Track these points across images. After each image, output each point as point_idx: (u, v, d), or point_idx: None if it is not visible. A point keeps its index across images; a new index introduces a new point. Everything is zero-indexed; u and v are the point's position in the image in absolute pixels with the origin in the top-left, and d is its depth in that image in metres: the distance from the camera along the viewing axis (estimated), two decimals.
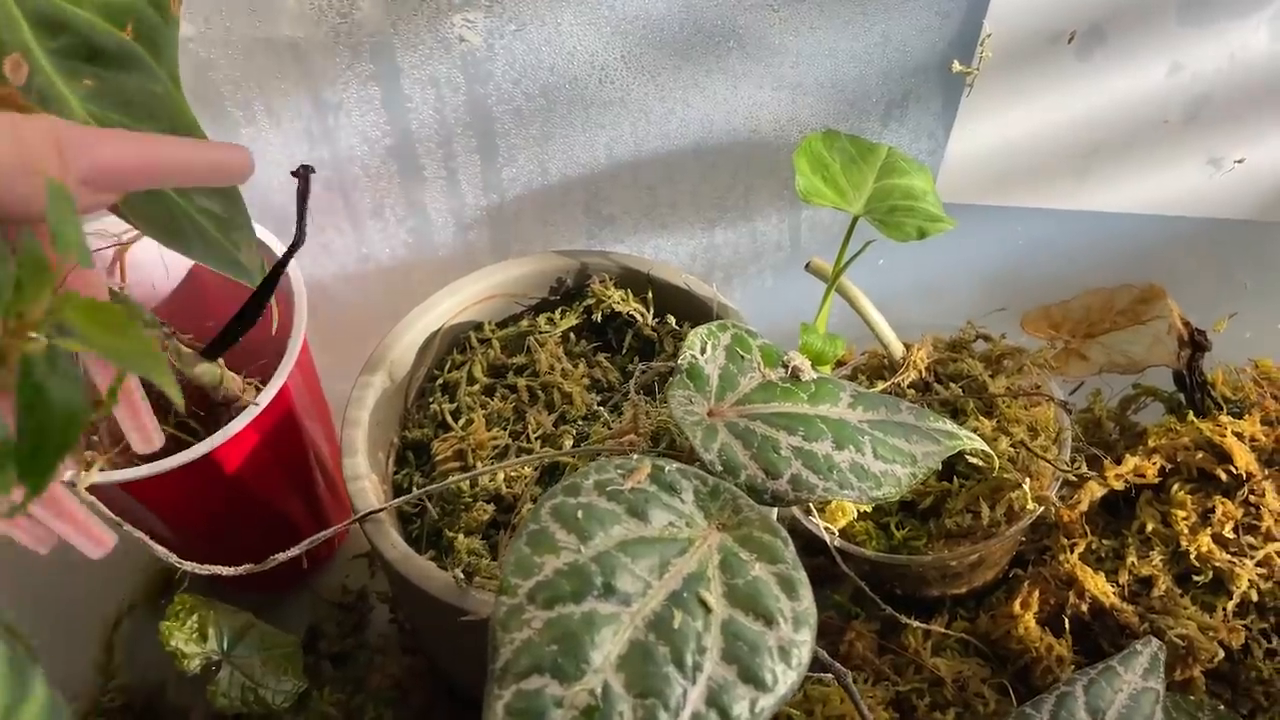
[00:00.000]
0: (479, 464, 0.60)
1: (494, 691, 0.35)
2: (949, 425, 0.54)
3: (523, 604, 0.37)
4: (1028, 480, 0.58)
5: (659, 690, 0.36)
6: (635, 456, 0.44)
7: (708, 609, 0.39)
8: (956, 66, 0.54)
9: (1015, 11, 0.52)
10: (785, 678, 0.39)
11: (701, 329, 0.53)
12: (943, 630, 0.66)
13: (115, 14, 0.47)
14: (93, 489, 0.54)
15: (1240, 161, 0.58)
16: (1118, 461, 0.67)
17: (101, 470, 0.56)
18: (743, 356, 0.53)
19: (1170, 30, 0.53)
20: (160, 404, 0.62)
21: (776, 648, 0.39)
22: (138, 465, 0.57)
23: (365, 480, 0.56)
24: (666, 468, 0.44)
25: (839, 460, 0.49)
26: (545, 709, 0.35)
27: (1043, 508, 0.60)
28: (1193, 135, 0.57)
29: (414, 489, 0.60)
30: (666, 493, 0.43)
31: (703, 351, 0.52)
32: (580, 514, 0.41)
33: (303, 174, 0.51)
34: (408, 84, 0.58)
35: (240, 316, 0.55)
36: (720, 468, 0.47)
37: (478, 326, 0.64)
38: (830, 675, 0.50)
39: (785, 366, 0.54)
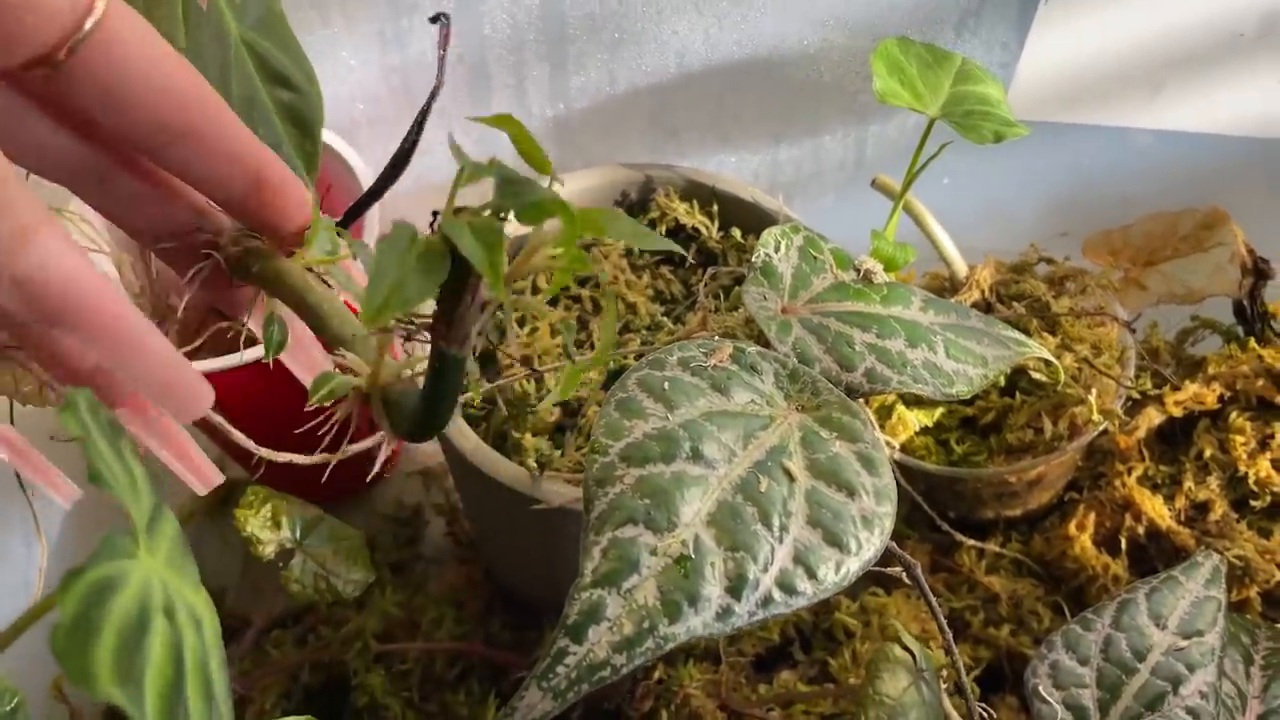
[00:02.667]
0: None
1: (590, 538, 0.36)
2: (1018, 334, 0.54)
3: (614, 461, 0.38)
4: (1093, 393, 0.58)
5: (748, 545, 0.37)
6: (716, 338, 0.45)
7: (791, 477, 0.40)
8: None
9: None
10: (869, 544, 0.39)
11: (775, 229, 0.54)
12: (997, 549, 0.66)
13: None
14: None
15: None
16: (1176, 389, 0.67)
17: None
18: (816, 257, 0.54)
19: None
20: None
21: (859, 516, 0.39)
22: (209, 359, 0.58)
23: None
24: (748, 349, 0.44)
25: (912, 357, 0.49)
26: (639, 555, 0.35)
27: (1106, 422, 0.60)
28: (1267, 51, 0.56)
29: (479, 395, 0.61)
30: (748, 373, 0.44)
31: (776, 250, 0.53)
32: (666, 385, 0.41)
33: (443, 21, 0.51)
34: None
35: (373, 192, 0.55)
36: (796, 361, 0.48)
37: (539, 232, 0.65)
38: (891, 578, 0.50)
39: (857, 270, 0.54)
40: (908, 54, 0.55)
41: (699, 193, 0.64)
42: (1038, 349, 0.54)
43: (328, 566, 0.56)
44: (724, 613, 0.35)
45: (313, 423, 0.41)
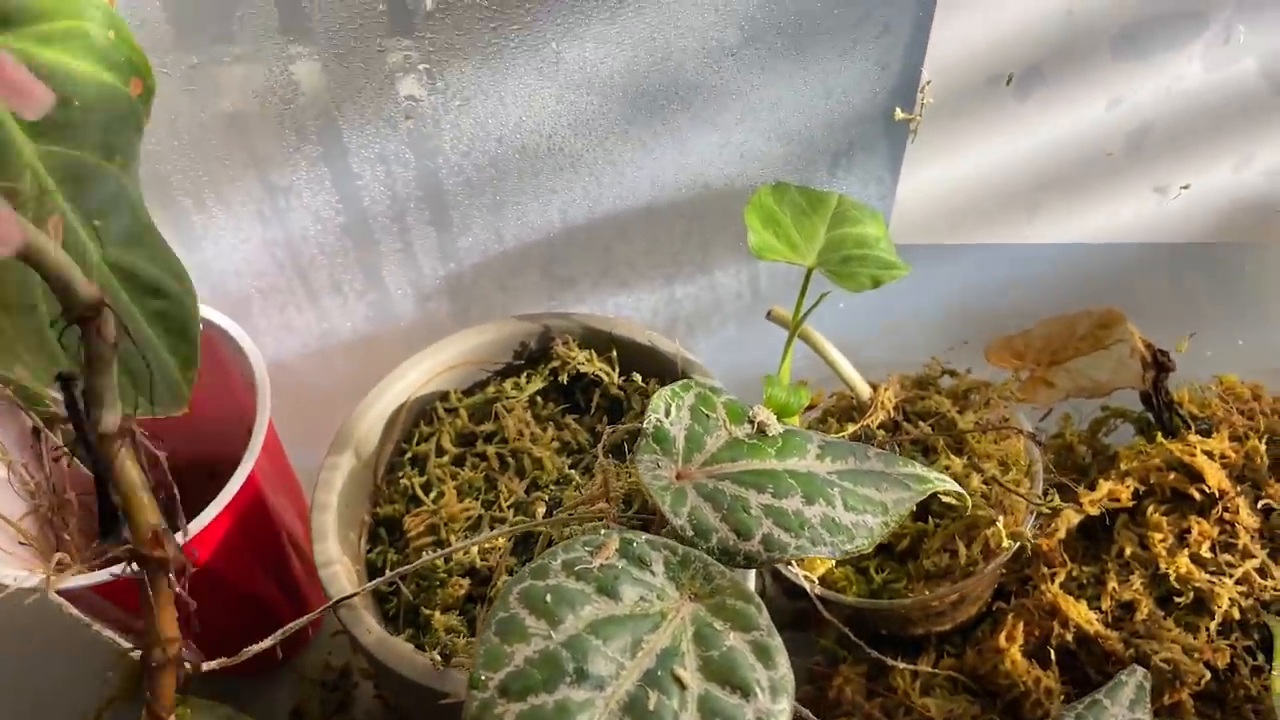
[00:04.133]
0: (452, 537, 0.59)
1: None
2: (918, 469, 0.54)
3: (494, 698, 0.37)
4: (1002, 516, 0.58)
5: None
6: (603, 531, 0.44)
7: (683, 686, 0.39)
8: (899, 114, 0.55)
9: (952, 58, 0.53)
10: None
11: (665, 391, 0.53)
12: (930, 670, 0.65)
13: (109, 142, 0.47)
14: (62, 592, 0.53)
15: (1186, 188, 0.58)
16: (1091, 487, 0.67)
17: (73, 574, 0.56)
18: (708, 415, 0.53)
19: (1106, 66, 0.53)
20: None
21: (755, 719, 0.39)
22: (108, 567, 0.56)
23: (337, 565, 0.55)
24: (635, 541, 0.43)
25: (810, 515, 0.49)
26: None
27: (1018, 544, 0.60)
28: (1137, 165, 0.58)
29: (388, 567, 0.59)
30: (636, 566, 0.43)
31: (667, 414, 0.52)
32: (549, 597, 0.40)
33: None
34: (356, 162, 0.58)
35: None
36: (691, 532, 0.47)
37: (444, 396, 0.64)
38: None
39: (751, 422, 0.54)
40: (782, 202, 0.55)
41: (597, 339, 0.64)
42: (940, 483, 0.53)
43: None
44: None
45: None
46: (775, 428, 0.54)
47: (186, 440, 0.60)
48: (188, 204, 0.59)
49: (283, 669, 0.74)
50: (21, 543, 0.63)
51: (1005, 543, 0.58)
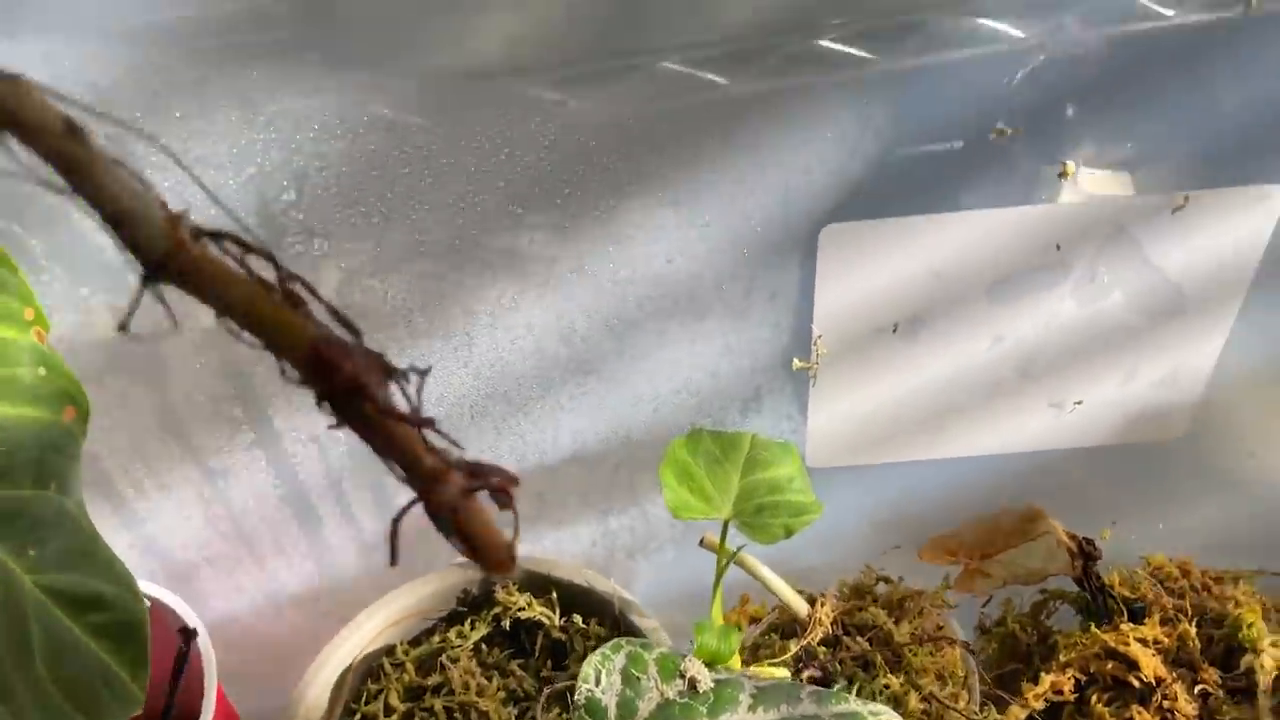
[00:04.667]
0: None
1: None
2: (853, 704, 0.55)
3: None
4: None
5: None
6: None
7: None
8: (797, 364, 0.58)
9: (838, 315, 0.56)
10: None
11: (595, 656, 0.55)
12: None
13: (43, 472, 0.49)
14: None
15: (1079, 403, 0.61)
16: (1035, 678, 0.69)
17: None
18: (639, 677, 0.55)
19: (984, 310, 0.57)
20: None
21: None
22: None
23: None
24: None
25: None
26: None
27: None
28: (1030, 387, 0.61)
29: None
30: None
31: (598, 682, 0.54)
32: None
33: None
34: (289, 443, 0.61)
35: None
36: None
37: (390, 650, 0.65)
38: None
39: (683, 676, 0.56)
40: (696, 453, 0.57)
41: (536, 581, 0.66)
42: (873, 717, 0.55)
43: None
44: None
45: None
46: (706, 682, 0.55)
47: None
48: (130, 494, 0.61)
49: None
50: None
51: None
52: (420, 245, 0.54)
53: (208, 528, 0.64)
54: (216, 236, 0.22)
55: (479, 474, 0.24)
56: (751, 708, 0.54)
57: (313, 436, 0.60)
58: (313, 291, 0.22)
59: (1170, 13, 0.54)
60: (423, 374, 0.24)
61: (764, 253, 0.55)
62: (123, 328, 0.24)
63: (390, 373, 0.23)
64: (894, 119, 0.54)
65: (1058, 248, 0.54)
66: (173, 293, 0.55)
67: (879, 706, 0.56)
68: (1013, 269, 0.55)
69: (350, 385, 0.22)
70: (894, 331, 0.57)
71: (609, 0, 0.52)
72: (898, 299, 0.56)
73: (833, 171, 0.52)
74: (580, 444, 0.62)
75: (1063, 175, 0.51)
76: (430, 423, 0.23)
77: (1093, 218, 0.53)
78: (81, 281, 0.53)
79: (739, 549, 0.60)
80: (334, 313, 0.23)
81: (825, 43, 0.54)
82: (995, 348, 0.58)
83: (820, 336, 0.57)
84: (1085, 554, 0.72)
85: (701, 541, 0.67)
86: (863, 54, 0.54)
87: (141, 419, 0.58)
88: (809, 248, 0.54)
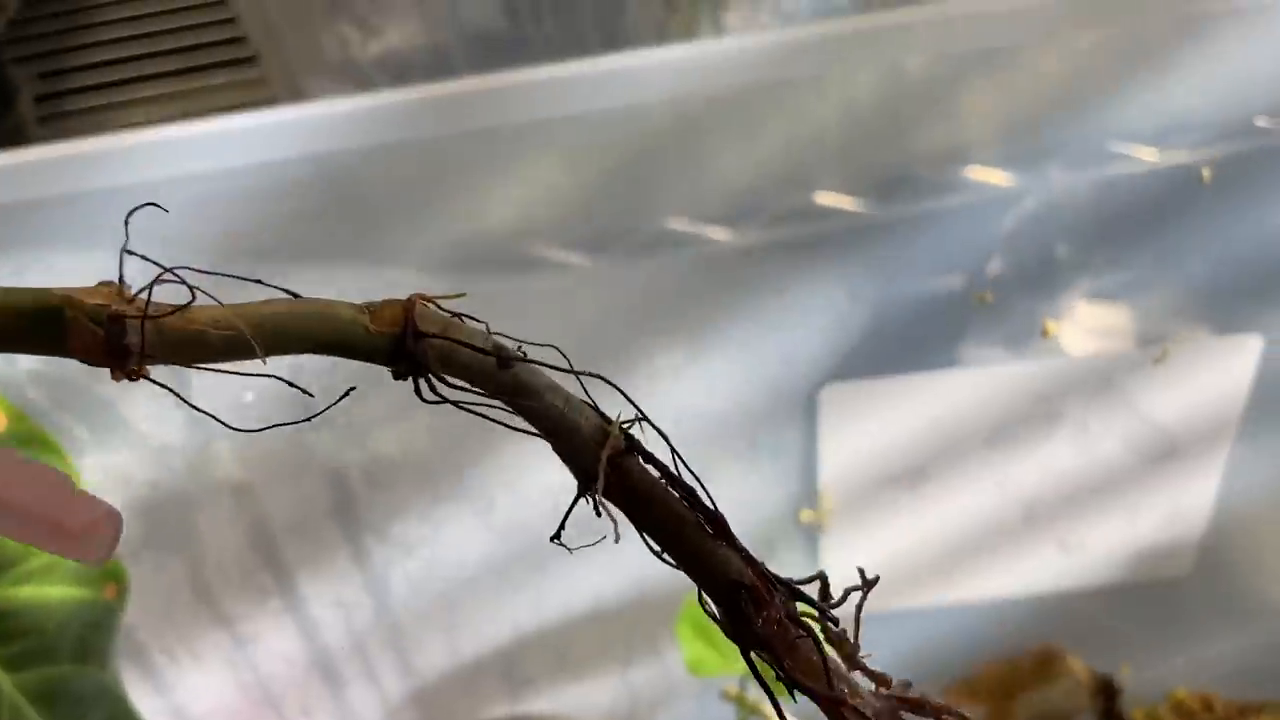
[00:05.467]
0: None
1: None
2: None
3: None
4: None
5: None
6: None
7: None
8: (804, 516, 0.60)
9: (842, 469, 0.59)
10: None
11: None
12: None
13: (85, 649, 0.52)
14: None
15: (1082, 544, 0.63)
16: None
17: None
18: None
19: (985, 459, 0.59)
20: None
21: None
22: None
23: None
24: None
25: None
26: None
27: None
28: (1036, 531, 0.62)
29: None
30: None
31: None
32: None
33: None
34: (315, 608, 0.63)
35: None
36: None
37: None
38: None
39: None
40: None
41: None
42: None
43: None
44: None
45: None
46: None
47: None
48: (163, 661, 0.63)
49: None
50: None
51: None
52: (441, 407, 0.57)
53: (237, 693, 0.66)
54: (644, 454, 0.22)
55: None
56: None
57: (338, 602, 0.62)
58: (727, 531, 0.23)
59: (1151, 159, 0.58)
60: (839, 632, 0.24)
61: (767, 411, 0.57)
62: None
63: (799, 623, 0.23)
64: (886, 273, 0.57)
65: (1048, 401, 0.56)
66: (204, 459, 0.58)
67: None
68: (1007, 422, 0.57)
69: (761, 642, 0.22)
70: (898, 484, 0.59)
71: (615, 168, 0.56)
72: (900, 453, 0.58)
73: (831, 331, 0.55)
74: (598, 599, 0.64)
75: (1044, 335, 0.54)
76: (838, 700, 0.22)
77: (1079, 373, 0.55)
78: (124, 461, 0.56)
79: (754, 703, 0.60)
80: (746, 556, 0.23)
81: (822, 198, 0.58)
82: (998, 495, 0.60)
83: (827, 491, 0.59)
84: (1106, 692, 0.72)
85: (722, 694, 0.67)
86: (856, 207, 0.58)
87: (176, 589, 0.60)
88: (810, 407, 0.57)
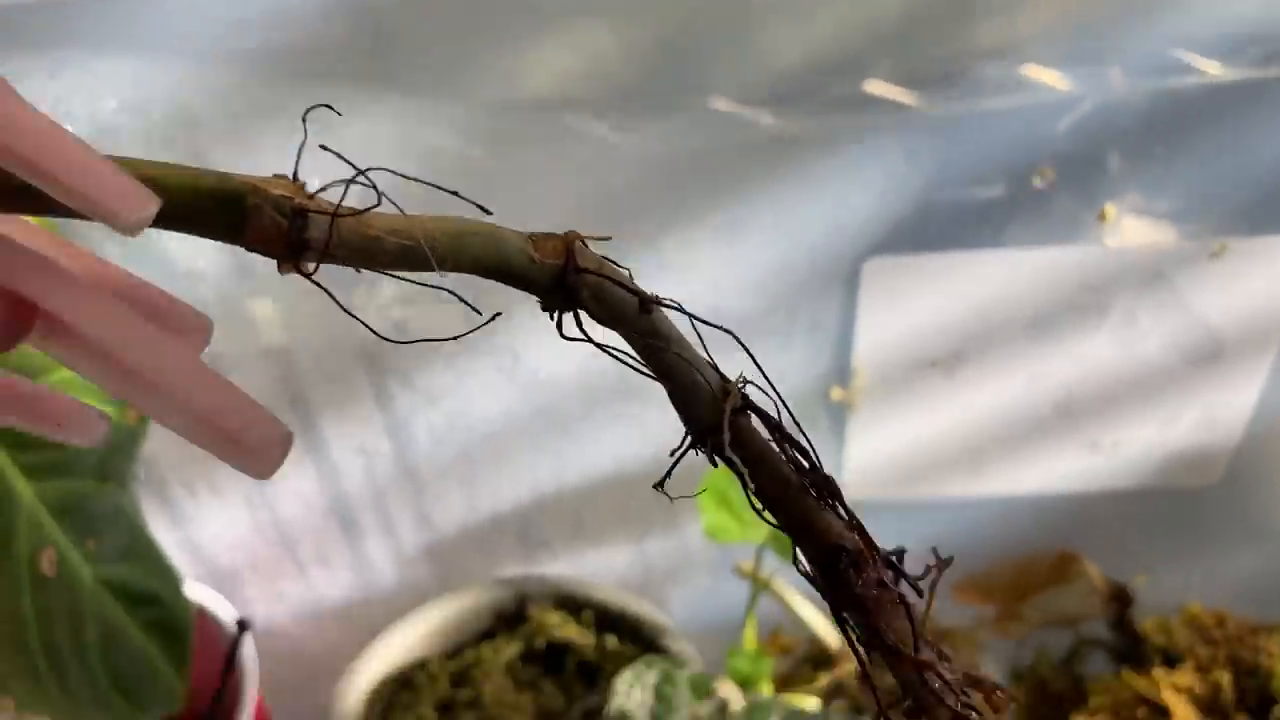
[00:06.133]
0: None
1: None
2: None
3: None
4: None
5: None
6: None
7: None
8: (835, 393, 0.59)
9: (878, 348, 0.57)
10: None
11: (627, 672, 0.56)
12: None
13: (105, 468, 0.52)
14: None
15: (1115, 444, 0.62)
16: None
17: None
18: (670, 695, 0.55)
19: (1023, 348, 0.58)
20: None
21: None
22: None
23: None
24: None
25: None
26: None
27: None
28: (1067, 426, 0.61)
29: None
30: None
31: (629, 696, 0.55)
32: None
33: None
34: (336, 453, 0.62)
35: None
36: None
37: (424, 663, 0.67)
38: None
39: (714, 697, 0.56)
40: (733, 481, 0.58)
41: (571, 602, 0.67)
42: None
43: None
44: None
45: None
46: (738, 702, 0.56)
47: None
48: (181, 493, 0.63)
49: None
50: None
51: None
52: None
53: (254, 533, 0.66)
54: (761, 414, 0.24)
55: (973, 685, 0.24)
56: None
57: (360, 449, 0.62)
58: (838, 497, 0.23)
59: (1215, 71, 0.56)
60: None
61: (807, 284, 0.56)
62: None
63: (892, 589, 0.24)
64: (938, 160, 0.55)
65: (1096, 291, 0.54)
66: (238, 312, 0.58)
67: None
68: (1051, 309, 0.56)
69: (857, 603, 0.23)
70: (933, 367, 0.58)
71: (660, 38, 0.54)
72: (938, 334, 0.57)
73: (876, 207, 0.53)
74: (620, 467, 0.64)
75: (1102, 219, 0.52)
76: (928, 665, 0.23)
77: (1131, 262, 0.54)
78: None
79: (758, 591, 0.60)
80: (852, 521, 0.24)
81: (872, 87, 0.56)
82: (1033, 386, 0.59)
83: (861, 369, 0.58)
84: (1120, 599, 0.72)
85: (735, 569, 0.67)
86: (908, 99, 0.55)
87: None
88: (851, 281, 0.55)
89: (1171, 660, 0.70)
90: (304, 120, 0.23)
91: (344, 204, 0.22)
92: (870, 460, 0.62)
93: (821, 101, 0.56)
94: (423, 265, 0.22)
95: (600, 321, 0.24)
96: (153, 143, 0.51)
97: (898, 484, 0.64)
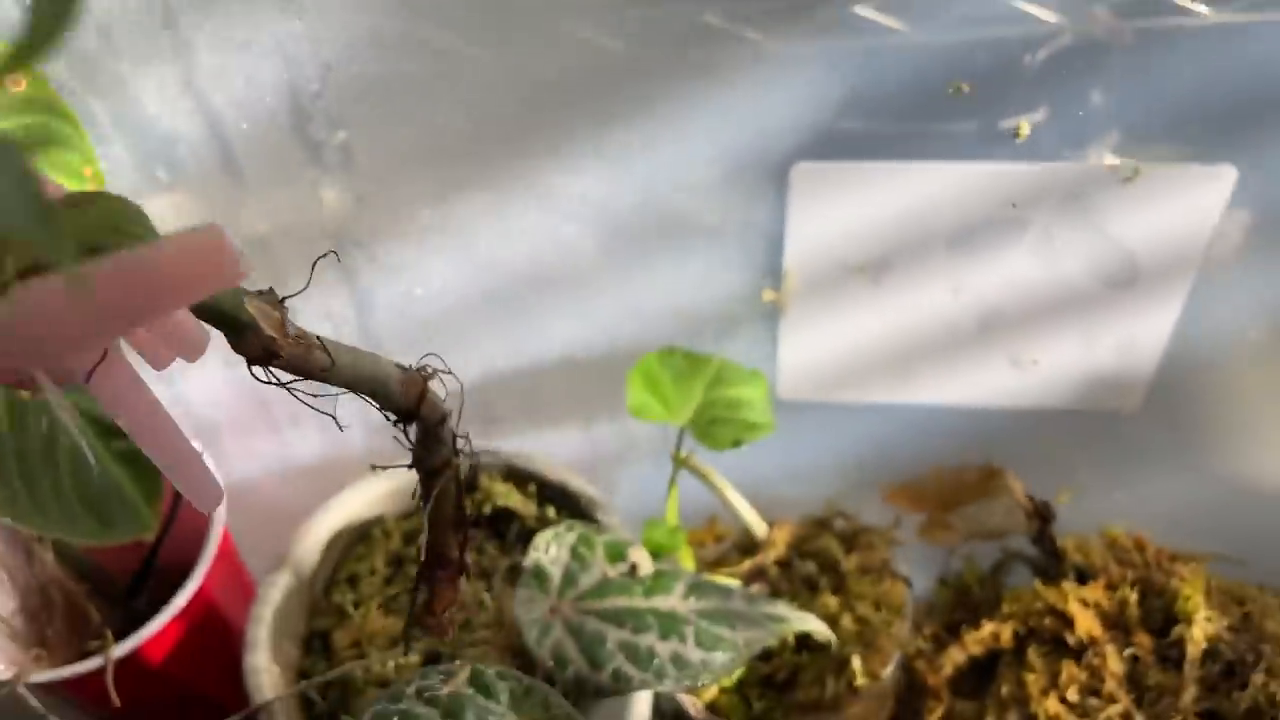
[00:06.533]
0: (373, 651, 0.66)
1: None
2: (780, 609, 0.60)
3: None
4: (858, 655, 0.64)
5: None
6: (458, 662, 0.51)
7: None
8: (766, 294, 0.63)
9: (808, 252, 0.61)
10: None
11: (548, 531, 0.60)
12: None
13: None
14: (29, 687, 0.61)
15: (1036, 361, 0.65)
16: (975, 628, 0.73)
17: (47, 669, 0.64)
18: (586, 555, 0.60)
19: (945, 260, 0.60)
20: (85, 614, 0.70)
21: None
22: (71, 665, 0.64)
23: (264, 674, 0.63)
24: (485, 672, 0.50)
25: (661, 651, 0.55)
26: None
27: (878, 681, 0.65)
28: (990, 342, 0.64)
29: (315, 677, 0.67)
30: (483, 695, 0.50)
31: (547, 551, 0.59)
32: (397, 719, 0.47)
33: None
34: (305, 319, 0.67)
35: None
36: (551, 662, 0.54)
37: (380, 520, 0.72)
38: None
39: (626, 561, 0.61)
40: (664, 366, 0.62)
41: (518, 474, 0.72)
42: (798, 623, 0.60)
43: None
44: None
45: None
46: (647, 567, 0.61)
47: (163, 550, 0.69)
48: None
49: None
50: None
51: (860, 679, 0.64)
52: (436, 147, 0.60)
53: (231, 391, 0.72)
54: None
55: None
56: (685, 595, 0.59)
57: (327, 313, 0.67)
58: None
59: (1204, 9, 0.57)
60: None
61: (739, 186, 0.59)
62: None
63: None
64: (874, 64, 0.57)
65: (1014, 205, 0.57)
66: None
67: (805, 614, 0.61)
68: (973, 223, 0.59)
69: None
70: (861, 273, 0.61)
71: None
72: (865, 241, 0.60)
73: (803, 112, 0.56)
74: (569, 349, 0.68)
75: (1016, 135, 0.55)
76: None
77: (1047, 182, 0.56)
78: (141, 152, 0.60)
79: (676, 470, 0.64)
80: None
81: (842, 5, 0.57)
82: (957, 299, 0.62)
83: (791, 271, 0.61)
84: (1041, 515, 0.75)
85: (672, 456, 0.72)
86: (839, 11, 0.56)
87: None
88: (781, 185, 0.58)
89: (1085, 578, 0.74)
90: None
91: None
92: (803, 362, 0.66)
93: (760, 9, 0.58)
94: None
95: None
96: None
97: (828, 388, 0.67)
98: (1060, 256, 0.59)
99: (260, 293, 0.33)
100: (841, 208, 0.58)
